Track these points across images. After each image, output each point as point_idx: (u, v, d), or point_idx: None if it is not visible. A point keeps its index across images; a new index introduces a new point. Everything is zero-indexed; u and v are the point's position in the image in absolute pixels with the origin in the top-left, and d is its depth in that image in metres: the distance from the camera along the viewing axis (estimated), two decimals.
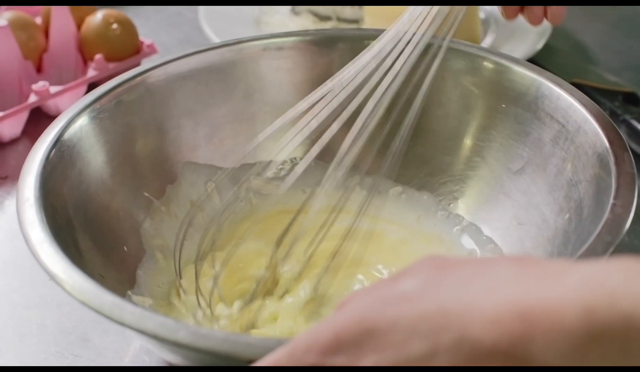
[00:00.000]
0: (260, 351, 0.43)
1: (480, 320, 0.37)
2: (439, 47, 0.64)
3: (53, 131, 0.61)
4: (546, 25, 0.93)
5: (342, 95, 0.61)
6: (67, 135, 0.62)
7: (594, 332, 0.35)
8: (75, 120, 0.63)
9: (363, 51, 0.64)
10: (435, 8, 0.63)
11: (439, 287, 0.39)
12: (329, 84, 0.62)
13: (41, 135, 0.61)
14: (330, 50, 0.71)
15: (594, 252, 0.50)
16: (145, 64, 0.69)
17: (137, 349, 0.61)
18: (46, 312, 0.65)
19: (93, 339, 0.62)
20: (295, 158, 0.69)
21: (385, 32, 0.64)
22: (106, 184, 0.64)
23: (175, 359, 0.52)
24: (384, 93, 0.61)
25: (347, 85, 0.62)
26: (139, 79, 0.67)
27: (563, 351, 0.36)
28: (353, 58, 0.64)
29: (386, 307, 0.39)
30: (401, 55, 0.63)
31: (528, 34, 0.92)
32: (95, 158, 0.64)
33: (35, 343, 0.62)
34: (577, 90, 0.63)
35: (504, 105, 0.67)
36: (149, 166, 0.67)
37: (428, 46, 0.64)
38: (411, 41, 0.63)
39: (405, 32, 0.63)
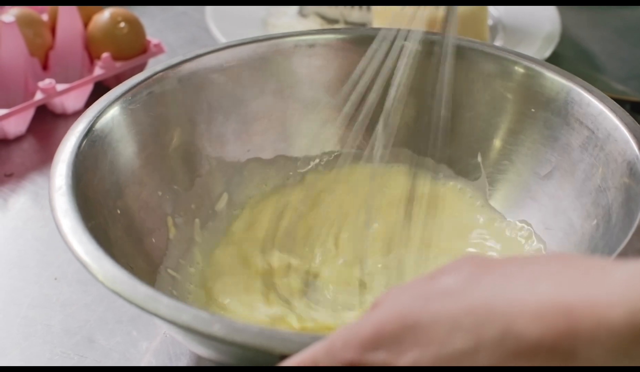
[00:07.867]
0: (296, 346, 0.43)
1: (524, 315, 0.37)
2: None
3: (85, 121, 0.61)
4: (554, 32, 0.93)
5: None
6: (98, 125, 0.61)
7: (639, 333, 0.35)
8: (108, 111, 0.63)
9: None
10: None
11: (481, 282, 0.39)
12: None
13: (73, 125, 0.61)
14: (361, 49, 0.69)
15: (625, 258, 0.50)
16: (178, 56, 0.69)
17: (143, 351, 0.60)
18: (51, 312, 0.64)
19: (99, 340, 0.61)
20: (325, 154, 0.70)
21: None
22: (136, 175, 0.63)
23: (207, 353, 0.51)
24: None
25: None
26: (171, 71, 0.67)
27: (608, 349, 0.35)
28: (383, 56, 0.65)
29: (428, 302, 0.39)
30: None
31: (535, 41, 0.92)
32: (126, 148, 0.63)
33: (40, 343, 0.61)
34: (607, 97, 0.63)
35: (533, 110, 0.66)
36: (178, 159, 0.67)
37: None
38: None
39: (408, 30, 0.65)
